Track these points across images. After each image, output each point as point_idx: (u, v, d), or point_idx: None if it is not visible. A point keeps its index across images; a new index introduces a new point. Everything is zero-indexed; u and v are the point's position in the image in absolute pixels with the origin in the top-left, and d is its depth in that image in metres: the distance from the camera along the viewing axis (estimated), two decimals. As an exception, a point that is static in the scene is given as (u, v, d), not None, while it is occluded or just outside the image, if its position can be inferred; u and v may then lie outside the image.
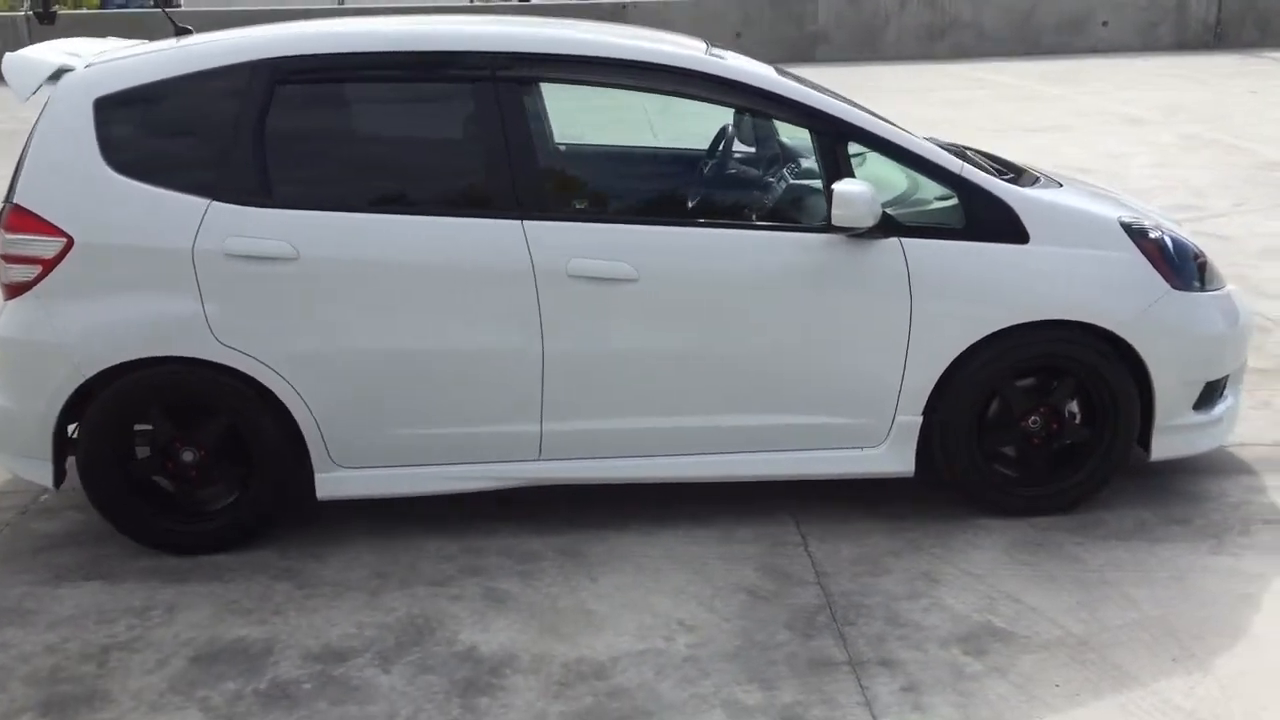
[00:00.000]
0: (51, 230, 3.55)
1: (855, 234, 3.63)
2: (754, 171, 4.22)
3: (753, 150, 4.29)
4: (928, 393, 3.77)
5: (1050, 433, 3.87)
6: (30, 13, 20.16)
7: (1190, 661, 3.10)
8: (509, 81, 3.62)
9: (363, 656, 3.22)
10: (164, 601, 3.53)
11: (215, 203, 3.56)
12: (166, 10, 4.39)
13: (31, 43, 4.06)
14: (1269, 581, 3.48)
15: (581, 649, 3.23)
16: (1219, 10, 20.62)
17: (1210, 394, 3.98)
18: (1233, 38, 20.56)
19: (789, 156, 4.11)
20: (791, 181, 3.98)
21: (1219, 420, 4.03)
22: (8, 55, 3.72)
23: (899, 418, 3.79)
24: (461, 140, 3.70)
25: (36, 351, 3.61)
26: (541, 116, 3.89)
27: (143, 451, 3.77)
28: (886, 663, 3.13)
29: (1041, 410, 3.85)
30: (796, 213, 3.85)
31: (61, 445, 3.71)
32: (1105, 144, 11.09)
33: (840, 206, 3.51)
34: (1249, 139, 11.17)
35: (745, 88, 3.71)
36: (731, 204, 3.98)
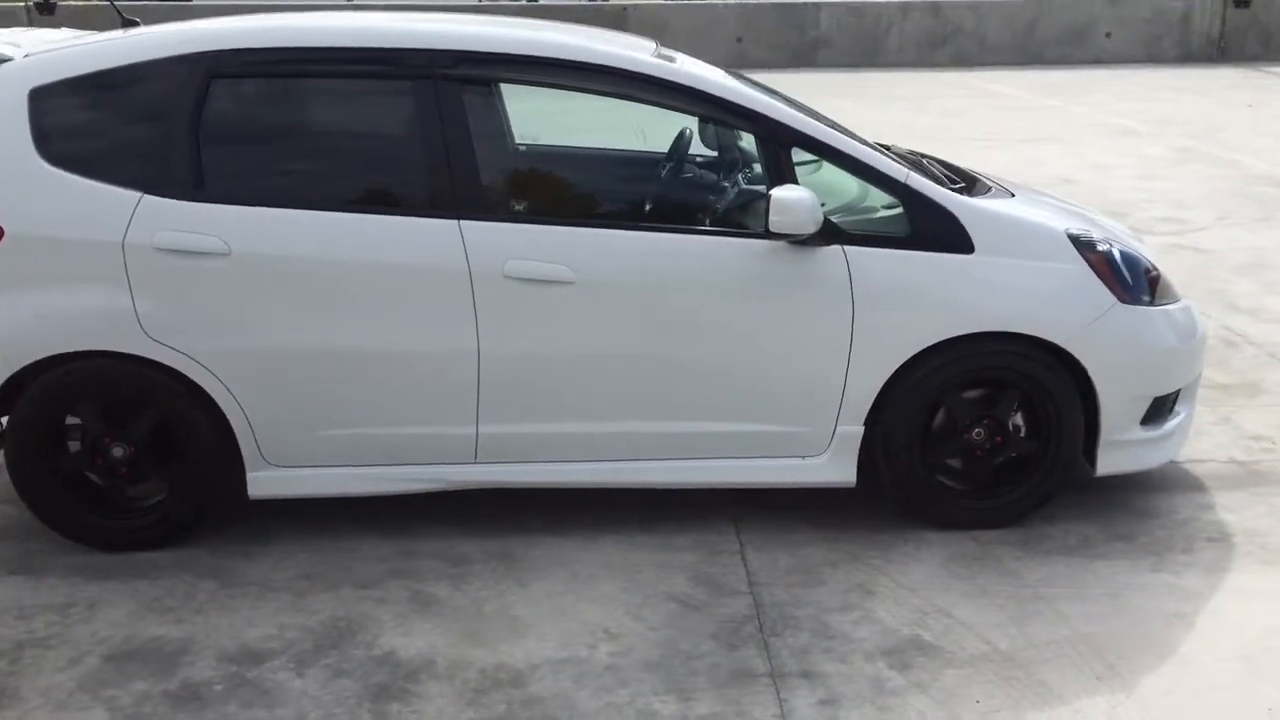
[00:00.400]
0: (-18, 221, 3.52)
1: (797, 241, 3.58)
2: (701, 176, 4.17)
3: (706, 155, 4.24)
4: (869, 403, 3.72)
5: (994, 446, 3.82)
6: (31, 3, 20.22)
7: (1115, 680, 3.04)
8: (448, 80, 3.58)
9: (279, 659, 3.17)
10: (86, 598, 3.49)
11: (147, 196, 3.52)
12: (114, 2, 4.35)
13: None
14: (1205, 600, 3.43)
15: (501, 656, 3.18)
16: (1223, 24, 20.55)
17: (1159, 409, 3.92)
18: (1236, 51, 20.49)
19: (740, 162, 4.06)
20: (736, 187, 3.93)
21: (1169, 436, 3.98)
22: (-56, 45, 3.69)
23: (840, 427, 3.74)
24: (399, 138, 3.66)
25: (-34, 344, 3.57)
26: (488, 115, 3.85)
27: (74, 446, 3.73)
28: (808, 675, 3.08)
29: (985, 422, 3.80)
30: (740, 218, 3.80)
31: (-10, 438, 3.67)
32: (1094, 155, 11.03)
33: (777, 213, 3.46)
34: (1240, 152, 11.10)
35: (688, 91, 3.66)
36: (675, 208, 3.93)
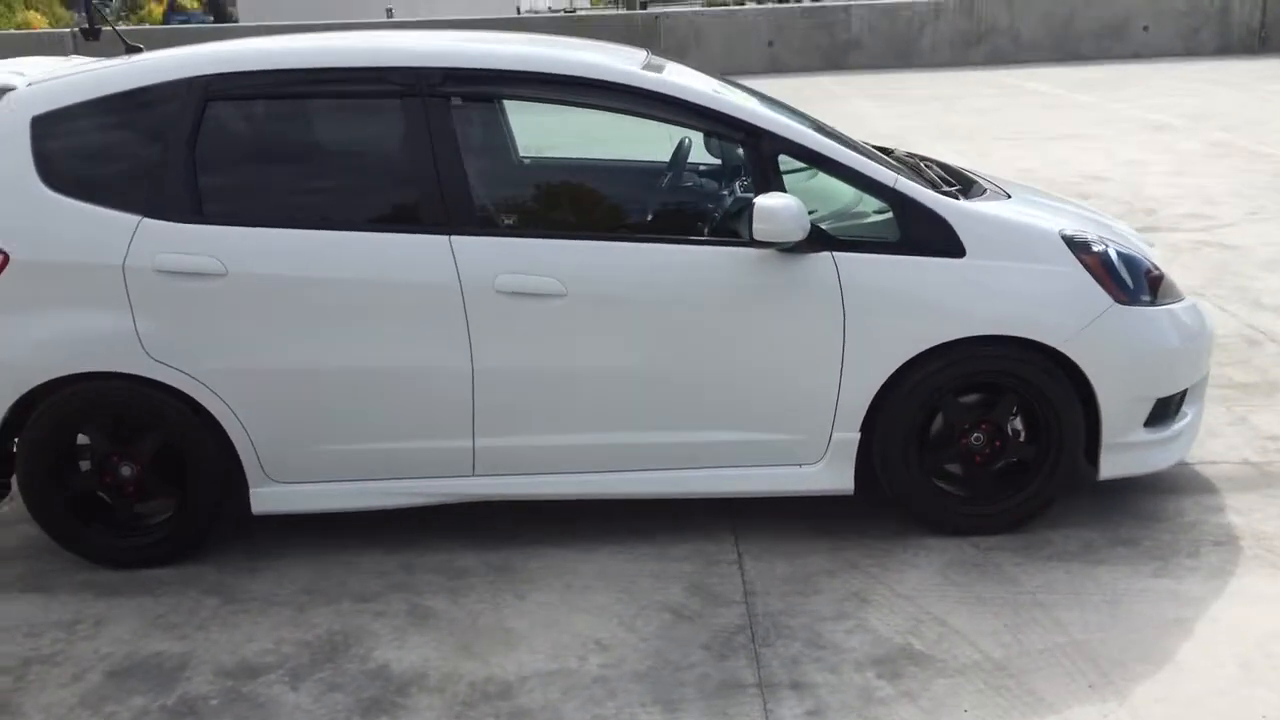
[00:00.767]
0: (-13, 247, 3.61)
1: (785, 248, 3.58)
2: (693, 186, 4.19)
3: (702, 164, 4.25)
4: (864, 409, 3.71)
5: (993, 451, 3.79)
6: (77, 29, 20.68)
7: (1107, 689, 3.01)
8: (436, 97, 3.62)
9: (275, 673, 3.22)
10: (93, 615, 3.56)
11: (146, 219, 3.60)
12: (117, 29, 4.44)
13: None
14: (1206, 606, 3.38)
15: (493, 668, 3.21)
16: (1263, 14, 20.23)
17: (1163, 410, 3.87)
18: (1278, 41, 20.15)
19: (731, 171, 4.06)
20: (728, 196, 3.94)
21: (1175, 437, 3.93)
22: (-48, 76, 3.79)
23: (836, 434, 3.73)
24: (390, 156, 3.70)
25: (-25, 367, 3.66)
26: (477, 131, 3.88)
27: (85, 466, 3.81)
28: (797, 685, 3.08)
29: (984, 427, 3.77)
30: (731, 227, 3.80)
31: (5, 458, 3.75)
32: (1126, 152, 10.91)
33: (761, 221, 3.46)
34: (1276, 146, 10.92)
35: (672, 101, 3.67)
36: (666, 218, 3.94)
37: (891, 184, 3.68)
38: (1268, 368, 5.27)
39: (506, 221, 3.72)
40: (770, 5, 21.72)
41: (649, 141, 4.10)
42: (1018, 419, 3.81)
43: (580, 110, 3.74)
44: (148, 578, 3.76)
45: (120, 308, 3.60)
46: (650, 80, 3.67)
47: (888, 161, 4.03)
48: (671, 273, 3.64)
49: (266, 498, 3.78)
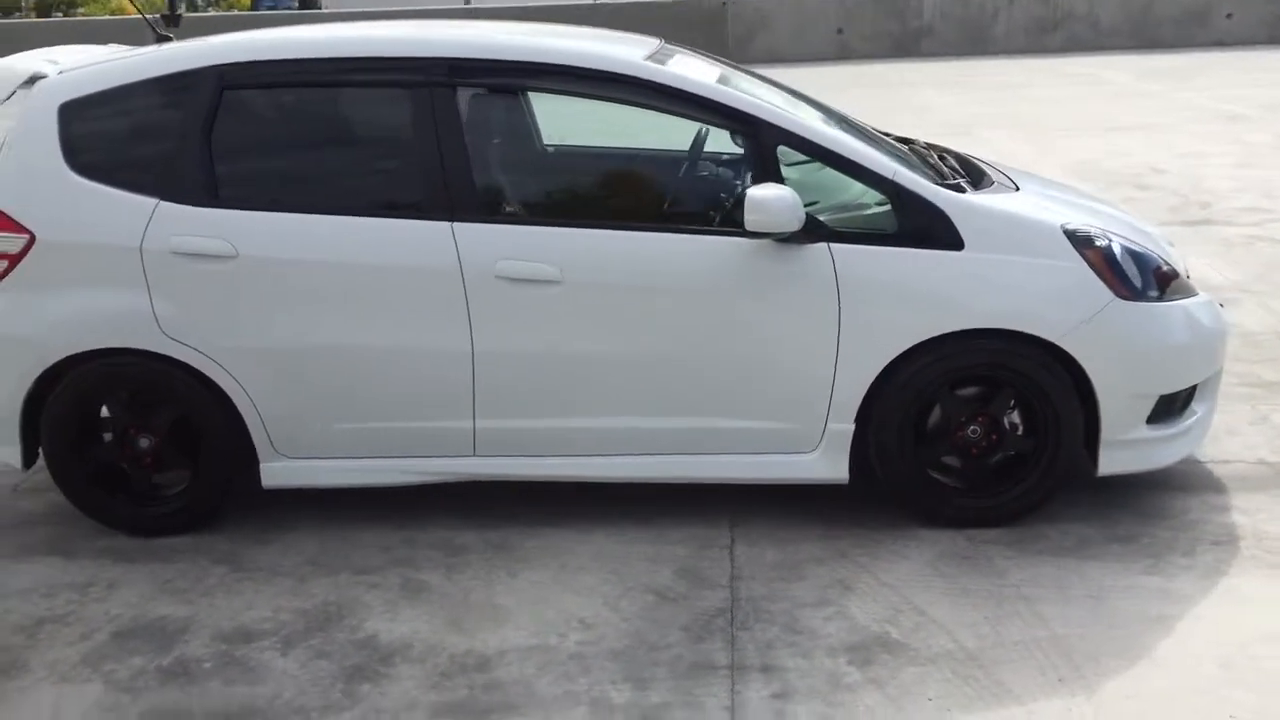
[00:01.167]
0: (16, 228, 3.78)
1: (781, 239, 3.61)
2: (695, 175, 4.22)
3: (705, 154, 4.28)
4: (859, 400, 3.73)
5: (990, 444, 3.79)
6: (157, 16, 21.22)
7: (1077, 683, 3.01)
8: (442, 87, 3.71)
9: (268, 639, 3.35)
10: (107, 579, 3.73)
11: (163, 202, 3.74)
12: (146, 17, 4.60)
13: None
14: (1193, 604, 3.35)
15: (476, 642, 3.31)
16: (1356, 1, 19.57)
17: (1167, 407, 3.83)
18: (1370, 30, 19.49)
19: (737, 161, 4.09)
20: (729, 186, 3.97)
21: (1180, 435, 3.89)
22: (-10, 63, 3.97)
23: (831, 424, 3.76)
24: (396, 144, 3.80)
25: (3, 342, 3.84)
26: (483, 120, 3.95)
27: (107, 438, 3.98)
28: (767, 669, 3.12)
29: (980, 420, 3.77)
30: (731, 217, 3.83)
31: (31, 430, 3.93)
32: (1192, 143, 10.68)
33: (753, 211, 3.50)
34: (1350, 138, 10.61)
35: (670, 91, 3.71)
36: (666, 208, 3.98)
37: (890, 176, 3.68)
38: (1300, 367, 5.17)
39: (508, 209, 3.80)
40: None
41: (665, 131, 4.13)
42: (1015, 413, 3.80)
43: (581, 100, 3.80)
44: (163, 545, 3.93)
45: (138, 287, 3.75)
46: (647, 70, 3.72)
47: (900, 152, 4.05)
48: (668, 261, 3.69)
49: (276, 472, 3.91)
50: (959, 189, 3.83)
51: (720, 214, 3.84)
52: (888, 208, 3.70)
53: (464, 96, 3.74)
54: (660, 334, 3.71)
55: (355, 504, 4.08)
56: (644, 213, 3.90)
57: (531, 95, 3.92)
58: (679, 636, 3.30)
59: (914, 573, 3.59)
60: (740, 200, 3.81)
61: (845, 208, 3.82)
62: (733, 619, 3.37)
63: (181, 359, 3.79)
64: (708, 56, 4.50)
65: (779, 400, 3.75)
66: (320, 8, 36.93)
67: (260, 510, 4.09)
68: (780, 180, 3.65)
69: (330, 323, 3.74)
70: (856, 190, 3.89)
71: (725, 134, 4.20)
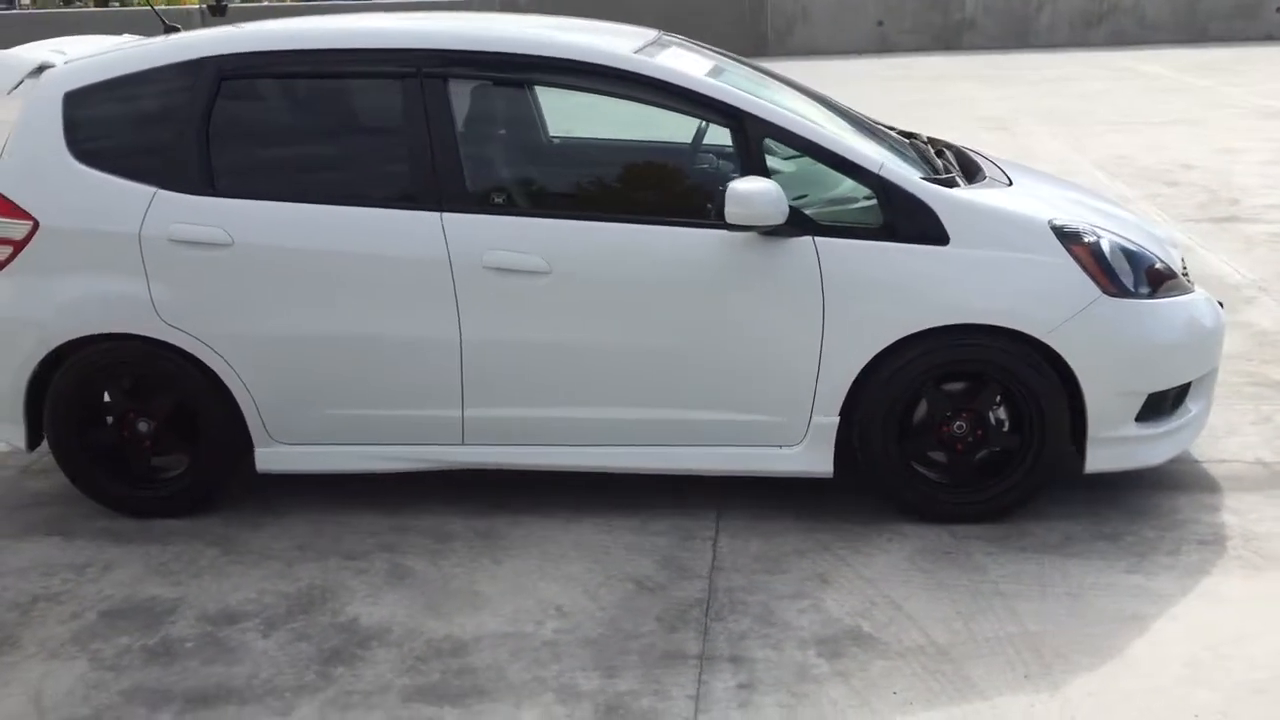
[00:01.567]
0: (20, 214, 3.88)
1: (765, 231, 3.62)
2: (680, 167, 4.24)
3: (693, 146, 4.30)
4: (844, 393, 3.73)
5: (975, 439, 3.78)
6: (204, 5, 21.49)
7: (1043, 680, 3.00)
8: (432, 78, 3.76)
9: (251, 621, 3.42)
10: (104, 560, 3.82)
11: (161, 191, 3.82)
12: (154, 8, 4.69)
13: None
14: (1171, 604, 3.33)
15: (453, 627, 3.35)
16: None
17: (1157, 405, 3.80)
18: None
19: (721, 153, 4.11)
20: (712, 177, 3.98)
21: (1171, 433, 3.85)
22: (-1, 53, 4.07)
23: (816, 418, 3.77)
24: (388, 134, 3.85)
25: (8, 326, 3.94)
26: (472, 111, 3.98)
27: (109, 421, 4.07)
28: (736, 659, 3.15)
29: (965, 416, 3.76)
30: (714, 209, 3.84)
31: (35, 412, 4.03)
32: (1227, 139, 10.51)
33: (734, 204, 3.51)
34: (1392, 135, 10.39)
35: (656, 84, 3.73)
36: (652, 199, 4.00)
37: (876, 170, 3.68)
38: (1312, 366, 5.09)
39: (496, 200, 3.84)
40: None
41: (657, 123, 4.14)
42: (1001, 409, 3.79)
43: (571, 93, 3.83)
44: (161, 527, 4.01)
45: (136, 273, 3.83)
46: (633, 63, 3.74)
47: (900, 146, 4.04)
48: (654, 253, 3.71)
49: (270, 457, 3.98)
50: (948, 184, 3.81)
51: (707, 206, 3.86)
52: (874, 202, 3.70)
53: (454, 88, 3.78)
54: (647, 326, 3.73)
55: (350, 490, 4.15)
56: (633, 204, 3.92)
57: (522, 87, 3.95)
58: (653, 626, 3.33)
59: (893, 567, 3.59)
60: (722, 193, 3.83)
61: (833, 201, 3.82)
62: (708, 609, 3.40)
63: (178, 344, 3.87)
64: (706, 49, 4.52)
65: (764, 393, 3.77)
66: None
67: (257, 494, 4.17)
68: (765, 173, 3.66)
69: (322, 311, 3.80)
70: (848, 184, 3.89)
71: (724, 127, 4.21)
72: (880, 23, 19.83)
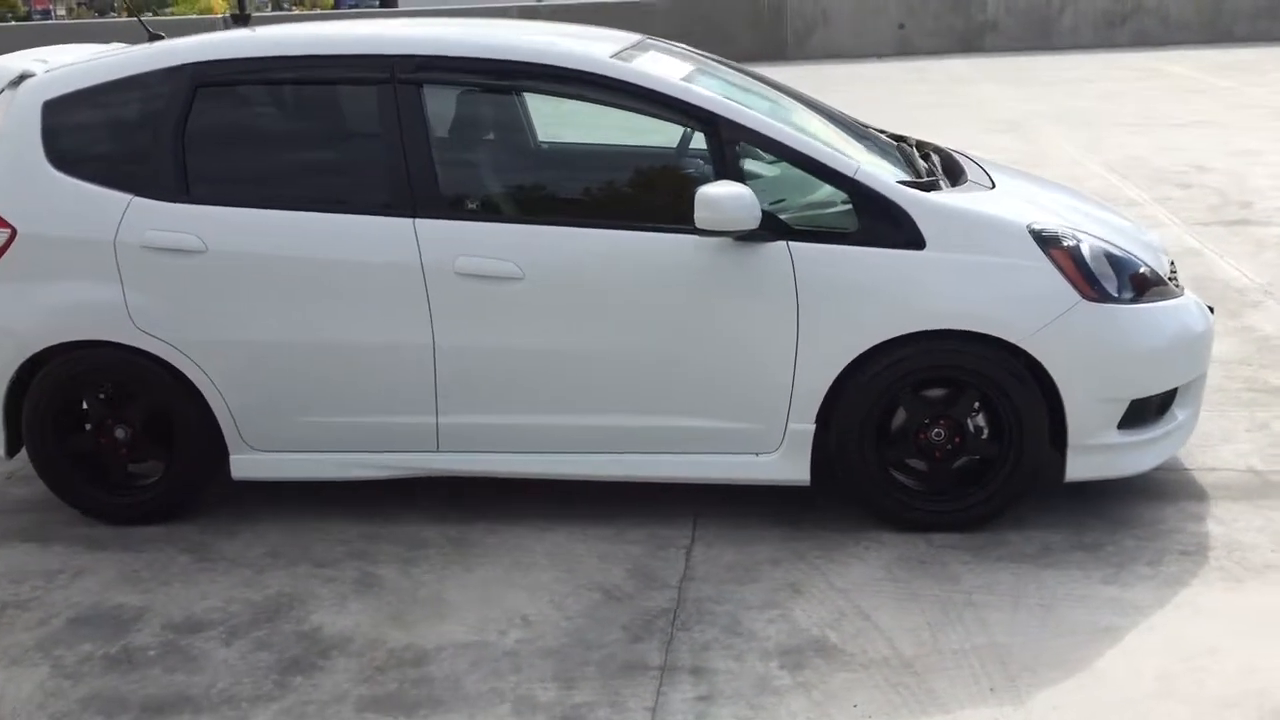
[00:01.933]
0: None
1: (739, 236, 3.58)
2: (655, 172, 4.19)
3: (673, 150, 4.25)
4: (820, 400, 3.68)
5: (953, 446, 3.72)
6: (227, 16, 21.71)
7: (1008, 693, 2.94)
8: (405, 84, 3.74)
9: (215, 630, 3.40)
10: (76, 566, 3.82)
11: (137, 198, 3.82)
12: (141, 19, 4.70)
13: None
14: (1146, 616, 3.25)
15: (415, 637, 3.33)
16: None
17: (1140, 412, 3.72)
18: None
19: (696, 157, 4.06)
20: (687, 182, 3.93)
21: (1154, 441, 3.77)
22: (-23, 63, 4.09)
23: (792, 425, 3.71)
24: (362, 140, 3.83)
25: (-13, 332, 3.95)
26: (446, 117, 3.96)
27: (88, 427, 4.07)
28: (697, 671, 3.10)
29: (943, 423, 3.70)
30: (687, 214, 3.79)
31: (15, 418, 4.04)
32: (1246, 140, 10.37)
33: (703, 209, 3.47)
34: None
35: (632, 88, 3.69)
36: (626, 204, 3.95)
37: (850, 174, 3.63)
38: (1313, 373, 4.99)
39: (470, 206, 3.81)
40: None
41: (633, 128, 4.10)
42: (980, 416, 3.73)
43: (545, 98, 3.80)
44: (137, 534, 4.01)
45: (112, 281, 3.83)
46: (607, 66, 3.71)
47: (887, 150, 3.98)
48: (628, 259, 3.68)
49: (245, 465, 3.97)
50: (927, 187, 3.76)
51: (681, 211, 3.81)
52: (849, 206, 3.65)
53: (428, 93, 3.76)
54: (620, 332, 3.70)
55: (326, 497, 4.13)
56: (607, 210, 3.88)
57: (496, 93, 3.92)
58: (617, 636, 3.28)
59: (867, 577, 3.53)
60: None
61: (811, 206, 3.77)
62: (675, 620, 3.35)
63: (153, 352, 3.86)
64: (694, 54, 4.48)
65: (739, 400, 3.72)
66: (397, 5, 37.37)
67: (234, 501, 4.16)
68: (740, 177, 3.62)
69: (296, 317, 3.79)
70: (827, 189, 3.83)
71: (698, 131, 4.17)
72: (901, 25, 19.72)
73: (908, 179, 3.82)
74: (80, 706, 3.07)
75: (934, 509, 3.76)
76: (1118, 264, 3.74)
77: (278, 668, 3.20)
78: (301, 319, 3.79)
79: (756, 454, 3.78)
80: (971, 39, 19.81)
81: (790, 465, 3.76)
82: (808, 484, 3.79)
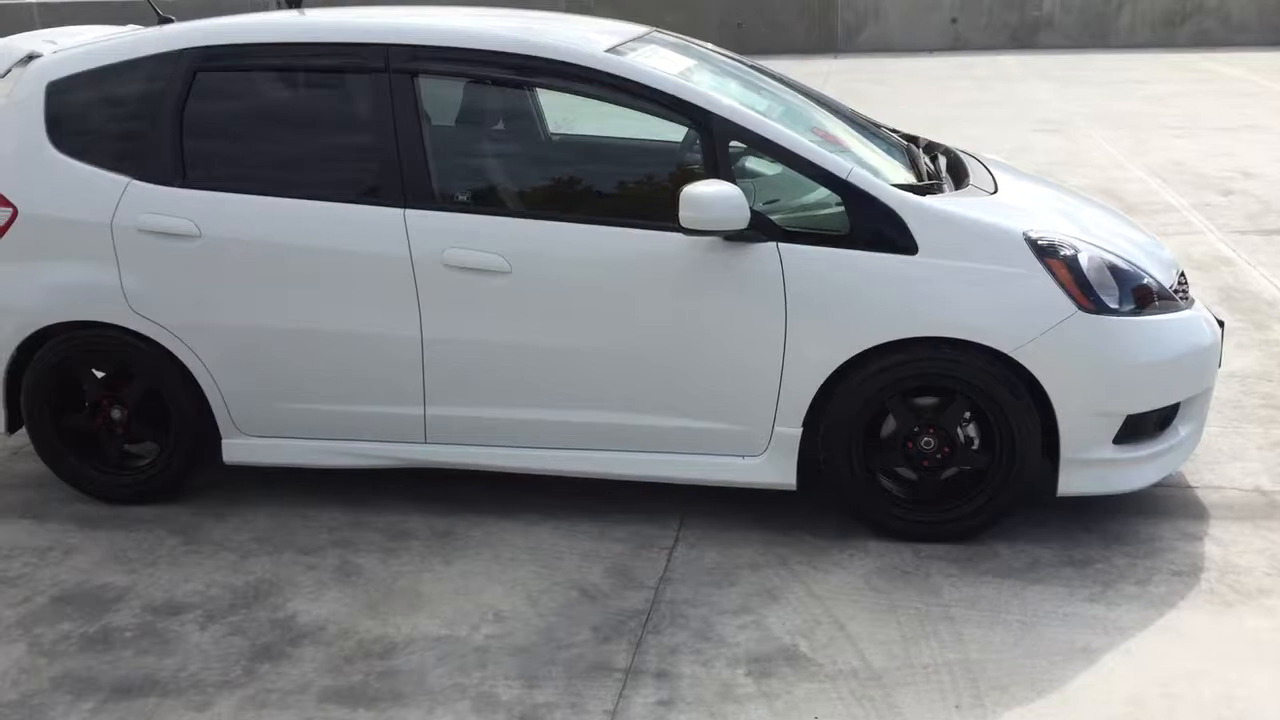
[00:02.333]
0: (1, 201, 3.94)
1: (729, 236, 3.53)
2: (647, 167, 4.15)
3: (662, 145, 4.20)
4: (807, 404, 3.63)
5: (943, 456, 3.65)
6: (281, 3, 21.84)
7: (974, 712, 2.88)
8: (400, 73, 3.73)
9: (193, 613, 3.43)
10: (68, 544, 3.86)
11: (134, 181, 3.85)
12: (152, 2, 4.73)
13: None
14: (1127, 637, 3.18)
15: (387, 628, 3.33)
16: None
17: (1138, 427, 3.64)
18: None
19: (690, 154, 4.01)
20: (679, 179, 3.88)
21: (1153, 457, 3.68)
22: (-11, 43, 4.14)
23: (778, 428, 3.67)
24: (356, 129, 3.82)
25: (-12, 310, 4.01)
26: (439, 106, 3.94)
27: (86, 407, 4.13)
28: (662, 674, 3.07)
29: (933, 432, 3.63)
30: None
31: (14, 396, 4.10)
32: (1293, 146, 10.09)
33: (687, 208, 3.43)
34: None
35: (624, 83, 3.65)
36: (618, 200, 3.92)
37: (843, 175, 3.57)
38: (1336, 389, 4.85)
39: (460, 198, 3.79)
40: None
41: (627, 121, 4.05)
42: (971, 426, 3.66)
43: (540, 91, 3.77)
44: (132, 514, 4.05)
45: (109, 262, 3.87)
46: (599, 60, 3.67)
47: (896, 148, 3.92)
48: (617, 255, 3.64)
49: (236, 449, 4.00)
50: (923, 191, 3.69)
51: (673, 209, 3.77)
52: (841, 208, 3.59)
53: (422, 84, 3.75)
54: (608, 328, 3.67)
55: (318, 483, 4.15)
56: (596, 205, 3.85)
57: (489, 84, 3.90)
58: (587, 636, 3.26)
59: (848, 585, 3.49)
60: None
61: (803, 207, 3.71)
62: (647, 621, 3.32)
63: (148, 334, 3.90)
64: (698, 47, 4.44)
65: (726, 401, 3.68)
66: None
67: (227, 485, 4.20)
68: (730, 175, 3.57)
69: (287, 305, 3.80)
70: (822, 190, 3.78)
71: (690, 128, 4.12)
72: (954, 20, 19.45)
73: (905, 182, 3.75)
74: (51, 685, 3.11)
75: (921, 519, 3.70)
76: (1121, 276, 3.64)
77: (248, 654, 3.22)
78: (292, 306, 3.80)
79: (742, 456, 3.74)
80: (1025, 36, 19.49)
81: (776, 469, 3.72)
82: (793, 488, 3.75)
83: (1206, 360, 3.76)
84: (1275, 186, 8.56)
